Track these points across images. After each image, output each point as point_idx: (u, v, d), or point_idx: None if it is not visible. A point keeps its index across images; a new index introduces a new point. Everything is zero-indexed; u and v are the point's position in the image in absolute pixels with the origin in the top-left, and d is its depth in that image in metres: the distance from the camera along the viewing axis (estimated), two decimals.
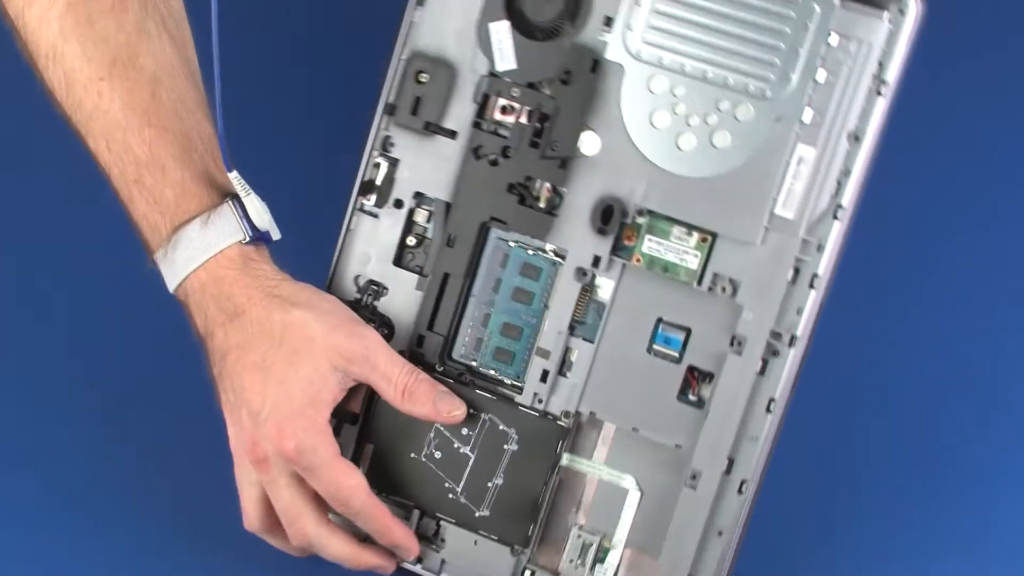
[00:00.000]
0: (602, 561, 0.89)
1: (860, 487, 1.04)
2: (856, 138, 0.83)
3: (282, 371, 0.86)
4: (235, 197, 0.89)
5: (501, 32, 0.87)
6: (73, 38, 0.90)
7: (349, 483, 0.86)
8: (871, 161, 0.84)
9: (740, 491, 0.85)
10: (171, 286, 0.90)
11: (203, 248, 0.88)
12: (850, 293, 1.18)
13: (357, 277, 0.91)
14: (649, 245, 0.86)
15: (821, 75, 0.83)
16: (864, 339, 1.16)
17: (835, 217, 0.84)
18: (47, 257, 1.18)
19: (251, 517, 0.90)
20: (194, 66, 0.93)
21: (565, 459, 0.89)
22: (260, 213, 0.89)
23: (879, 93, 0.83)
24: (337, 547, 0.89)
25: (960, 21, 1.28)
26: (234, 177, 0.89)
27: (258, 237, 0.89)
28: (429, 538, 0.91)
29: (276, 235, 0.91)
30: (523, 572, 0.90)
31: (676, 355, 0.87)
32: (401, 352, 0.89)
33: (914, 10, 0.82)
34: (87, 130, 0.90)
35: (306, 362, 0.86)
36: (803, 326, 0.84)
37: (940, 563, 0.98)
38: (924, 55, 0.84)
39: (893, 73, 0.83)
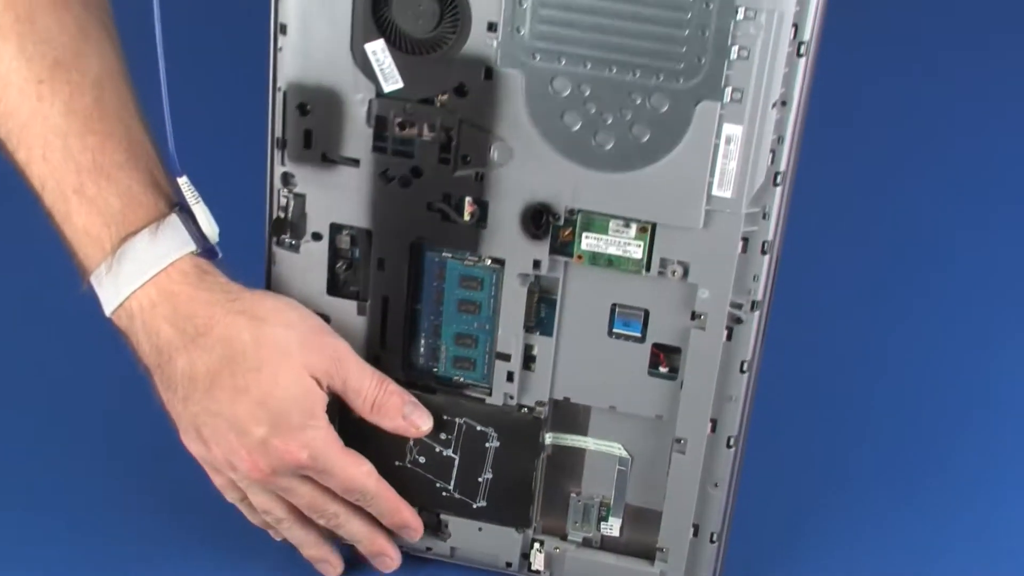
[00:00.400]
0: (606, 519, 0.90)
1: (857, 479, 1.03)
2: (783, 103, 0.77)
3: (268, 391, 0.82)
4: (182, 206, 0.84)
5: (378, 52, 0.79)
6: (12, 36, 0.82)
7: (361, 471, 0.86)
8: (803, 119, 0.78)
9: (728, 445, 0.85)
10: (110, 307, 0.84)
11: (154, 260, 0.82)
12: (847, 290, 1.18)
13: None
14: (587, 242, 0.82)
15: (734, 52, 0.76)
16: (861, 336, 1.14)
17: (776, 184, 0.79)
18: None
19: (277, 511, 0.88)
20: (127, 70, 0.86)
21: (550, 439, 0.88)
22: (209, 223, 0.84)
23: (800, 54, 0.76)
24: (357, 525, 0.89)
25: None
26: (184, 183, 0.83)
27: (208, 249, 0.84)
28: (434, 528, 0.91)
29: (218, 252, 0.85)
30: (531, 544, 0.91)
31: (639, 336, 0.84)
32: None
33: None
34: (20, 139, 0.83)
35: (289, 379, 0.83)
36: (762, 290, 0.82)
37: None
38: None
39: (811, 32, 0.76)
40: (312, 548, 0.91)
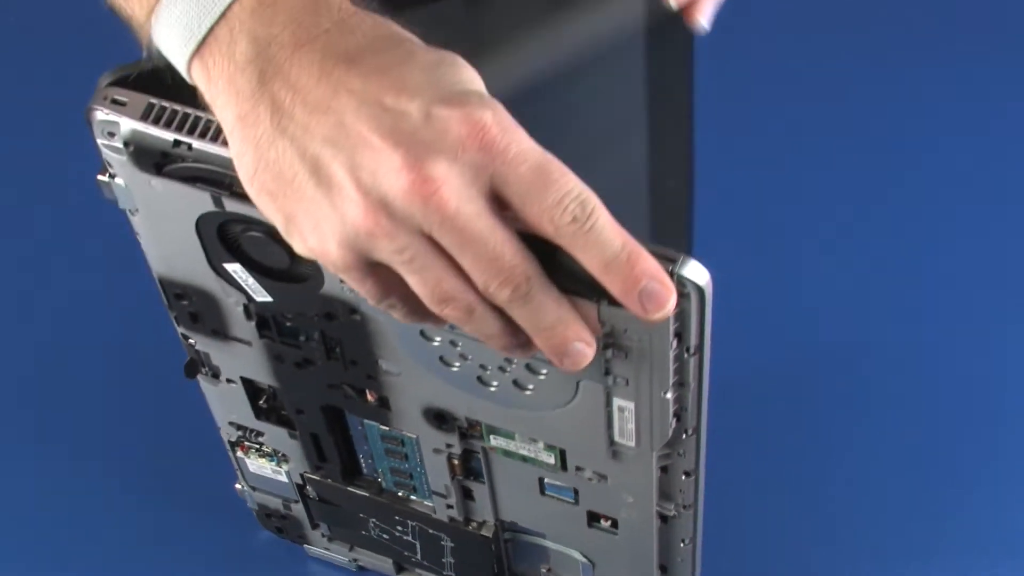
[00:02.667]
0: None
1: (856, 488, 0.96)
2: (681, 384, 0.66)
3: (429, 58, 0.57)
4: None
5: (239, 272, 0.71)
6: None
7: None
8: (708, 398, 0.67)
9: None
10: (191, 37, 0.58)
11: None
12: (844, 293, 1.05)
13: (231, 423, 0.83)
14: (496, 442, 0.75)
15: (609, 352, 0.64)
16: (859, 340, 1.02)
17: (688, 434, 0.69)
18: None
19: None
20: None
21: (508, 535, 0.85)
22: None
23: (689, 354, 0.64)
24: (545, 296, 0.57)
25: None
26: None
27: None
28: (411, 569, 0.91)
29: None
30: None
31: (572, 501, 0.78)
32: (305, 474, 0.84)
33: (696, 292, 0.60)
34: None
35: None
36: (692, 496, 0.74)
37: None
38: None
39: (698, 339, 0.63)
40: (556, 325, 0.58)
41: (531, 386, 0.68)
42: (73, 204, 1.08)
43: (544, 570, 0.86)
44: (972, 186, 1.10)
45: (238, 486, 0.90)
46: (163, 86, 0.66)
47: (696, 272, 0.59)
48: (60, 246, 1.12)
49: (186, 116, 0.64)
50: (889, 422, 0.98)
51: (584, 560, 0.83)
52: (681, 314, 0.61)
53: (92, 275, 1.09)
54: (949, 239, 1.07)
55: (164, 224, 0.69)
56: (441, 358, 0.69)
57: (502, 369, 0.68)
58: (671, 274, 0.58)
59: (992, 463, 0.96)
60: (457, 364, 0.69)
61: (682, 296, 0.60)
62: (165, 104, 0.64)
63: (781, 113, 1.16)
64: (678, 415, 0.67)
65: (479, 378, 0.69)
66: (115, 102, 0.65)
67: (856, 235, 1.08)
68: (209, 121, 0.64)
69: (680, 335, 0.62)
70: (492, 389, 0.69)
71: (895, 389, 1.00)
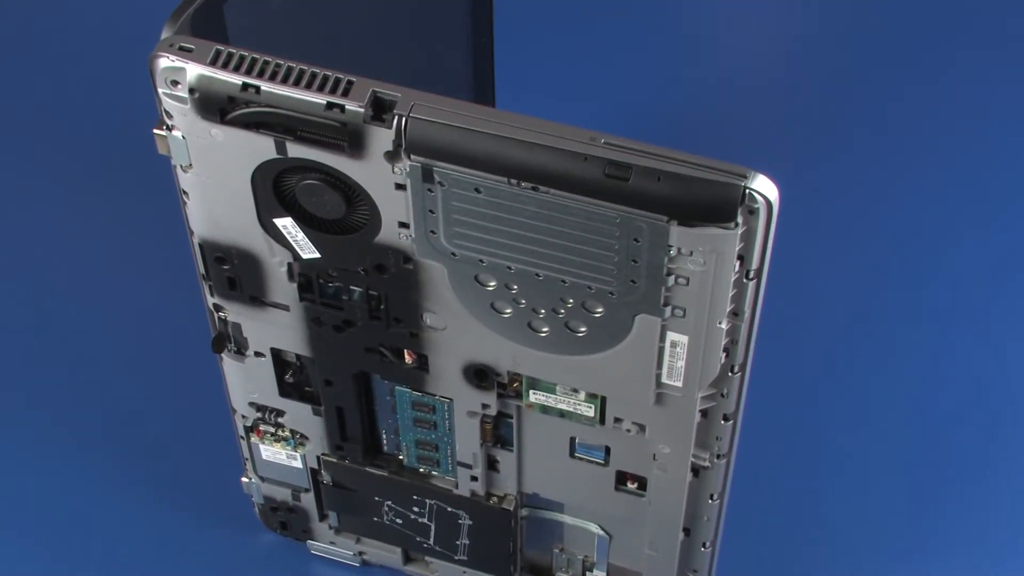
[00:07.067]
0: (591, 570, 0.88)
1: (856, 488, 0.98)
2: (735, 314, 0.68)
3: None
4: None
5: (288, 227, 0.72)
6: None
7: None
8: (758, 326, 0.70)
9: (704, 547, 0.82)
10: None
11: None
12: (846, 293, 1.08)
13: (251, 403, 0.84)
14: (536, 397, 0.76)
15: (671, 280, 0.66)
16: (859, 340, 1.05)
17: (733, 372, 0.71)
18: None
19: None
20: None
21: (525, 512, 0.85)
22: None
23: (749, 279, 0.66)
24: None
25: None
26: None
27: None
28: (420, 559, 0.91)
29: None
30: None
31: (602, 462, 0.79)
32: (324, 455, 0.85)
33: (766, 207, 0.63)
34: None
35: None
36: (727, 445, 0.76)
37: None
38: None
39: (759, 262, 0.66)
40: None
41: (583, 328, 0.70)
42: (72, 201, 1.10)
43: (557, 550, 0.88)
44: (971, 185, 1.14)
45: (244, 479, 0.90)
46: (222, 33, 0.68)
47: (766, 187, 0.62)
48: (58, 233, 1.12)
49: (255, 60, 0.66)
50: (889, 421, 1.00)
51: (601, 533, 0.84)
52: (747, 232, 0.63)
53: (88, 276, 1.09)
54: (949, 238, 1.11)
55: (217, 178, 0.70)
56: (492, 305, 0.70)
57: (555, 312, 0.69)
58: (741, 189, 0.61)
59: (992, 463, 0.97)
60: (509, 310, 0.70)
61: (750, 213, 0.62)
62: (232, 50, 0.66)
63: (780, 110, 1.20)
64: (727, 349, 0.69)
65: (530, 324, 0.71)
66: (182, 49, 0.66)
67: (855, 233, 1.11)
68: (278, 64, 0.65)
69: (743, 257, 0.64)
70: (542, 334, 0.71)
71: (895, 387, 1.01)
